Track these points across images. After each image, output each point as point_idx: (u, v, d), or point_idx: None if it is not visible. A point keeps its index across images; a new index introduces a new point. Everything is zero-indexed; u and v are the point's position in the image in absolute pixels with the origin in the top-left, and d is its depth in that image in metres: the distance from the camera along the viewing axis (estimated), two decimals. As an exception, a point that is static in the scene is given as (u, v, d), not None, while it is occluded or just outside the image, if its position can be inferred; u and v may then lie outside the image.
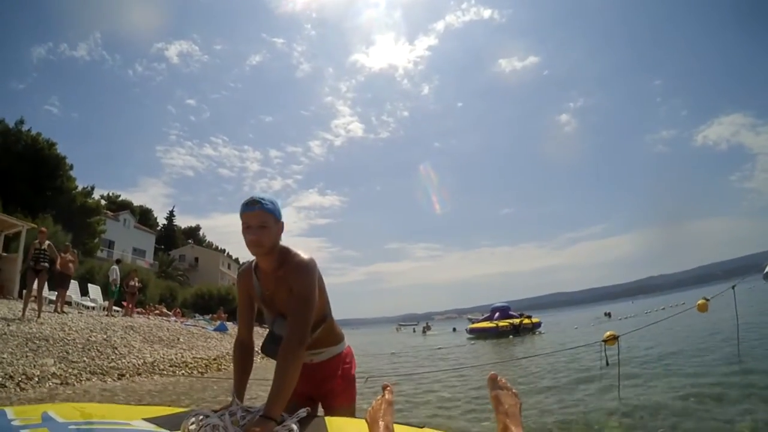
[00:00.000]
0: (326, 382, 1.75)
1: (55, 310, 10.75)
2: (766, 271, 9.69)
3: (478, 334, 21.98)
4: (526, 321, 22.60)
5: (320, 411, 1.68)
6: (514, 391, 1.35)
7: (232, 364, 1.73)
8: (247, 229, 1.54)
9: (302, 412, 1.30)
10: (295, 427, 1.19)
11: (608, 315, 32.61)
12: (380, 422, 1.11)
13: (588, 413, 4.55)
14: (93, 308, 14.14)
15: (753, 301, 18.72)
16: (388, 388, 1.25)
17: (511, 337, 20.15)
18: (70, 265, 11.20)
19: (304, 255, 1.59)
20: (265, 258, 1.59)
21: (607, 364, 6.18)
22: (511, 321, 22.34)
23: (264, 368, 3.56)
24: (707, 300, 6.18)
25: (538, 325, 23.00)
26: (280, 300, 1.62)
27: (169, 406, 1.37)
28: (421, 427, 1.18)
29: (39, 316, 8.54)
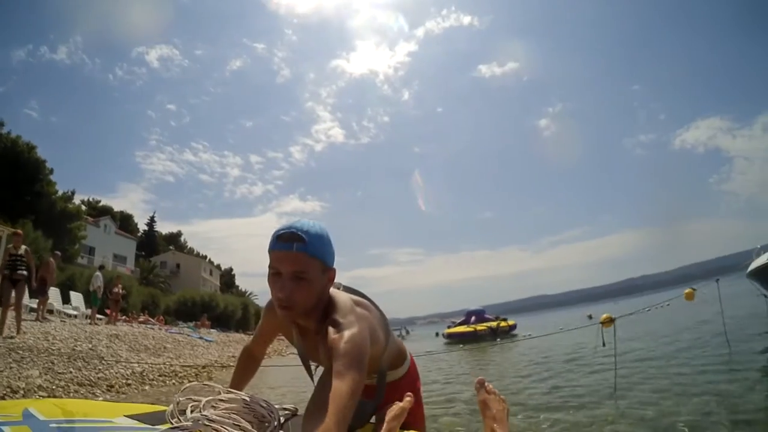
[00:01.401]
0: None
1: (37, 319, 10.43)
2: (749, 269, 9.97)
3: (456, 339, 21.56)
4: (503, 324, 22.52)
5: None
6: (501, 396, 1.33)
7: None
8: (274, 276, 1.00)
9: (292, 407, 1.16)
10: (282, 419, 1.07)
11: (590, 317, 32.56)
12: (385, 424, 1.09)
13: (584, 395, 4.93)
14: (75, 316, 13.77)
15: (736, 297, 19.33)
16: (409, 398, 1.19)
17: (498, 340, 20.06)
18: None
19: (350, 314, 1.03)
20: (302, 319, 1.10)
21: (604, 345, 6.37)
22: (488, 324, 22.17)
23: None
24: (694, 290, 6.51)
25: (513, 327, 22.96)
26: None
27: (151, 404, 1.35)
28: None
29: (18, 332, 7.59)
